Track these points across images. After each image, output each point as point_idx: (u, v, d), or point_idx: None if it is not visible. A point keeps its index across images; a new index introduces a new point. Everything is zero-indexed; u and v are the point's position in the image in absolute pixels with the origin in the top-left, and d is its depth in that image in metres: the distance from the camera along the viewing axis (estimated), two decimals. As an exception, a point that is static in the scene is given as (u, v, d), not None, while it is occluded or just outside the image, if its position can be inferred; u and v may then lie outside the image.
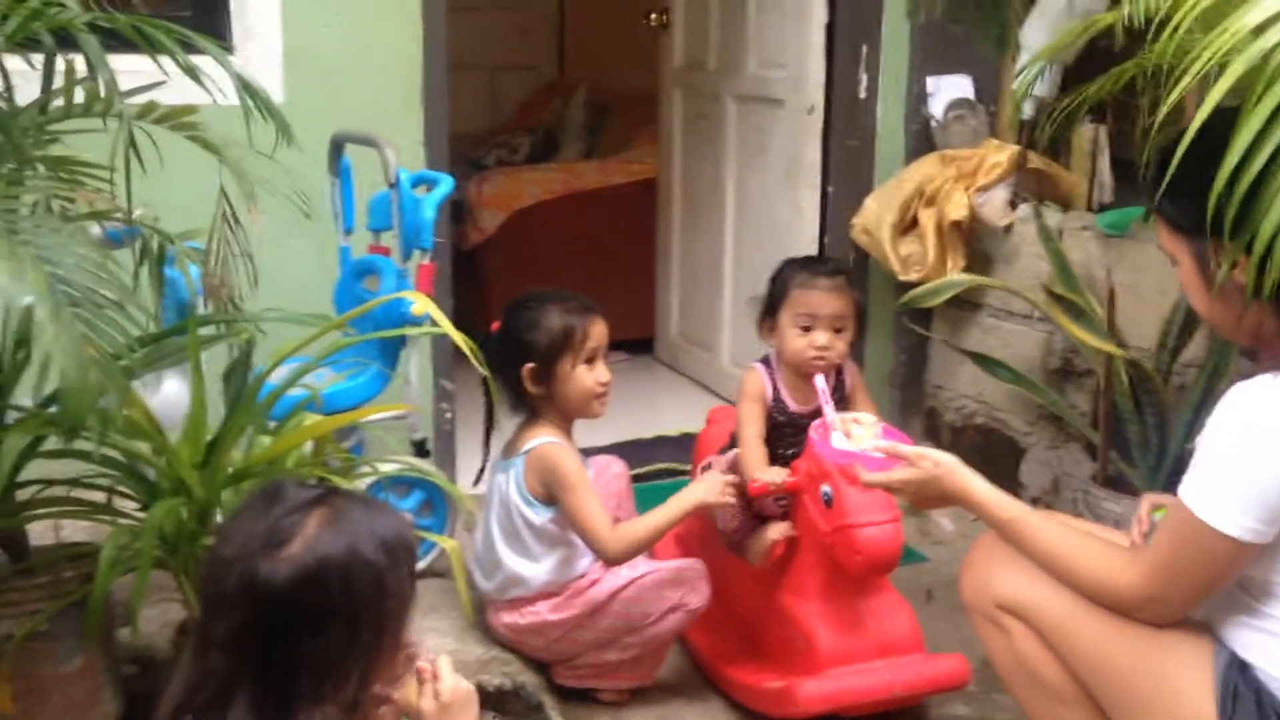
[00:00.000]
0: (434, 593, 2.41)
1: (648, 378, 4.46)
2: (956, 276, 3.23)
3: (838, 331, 2.33)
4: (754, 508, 2.38)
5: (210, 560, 1.22)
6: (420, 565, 2.58)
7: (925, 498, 1.85)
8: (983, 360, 3.20)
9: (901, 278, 3.40)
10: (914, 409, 3.71)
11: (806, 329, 2.31)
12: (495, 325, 2.25)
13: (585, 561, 2.21)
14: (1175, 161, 1.48)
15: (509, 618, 2.21)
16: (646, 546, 2.16)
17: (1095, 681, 1.66)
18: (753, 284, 3.93)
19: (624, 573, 2.15)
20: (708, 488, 2.16)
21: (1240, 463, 1.46)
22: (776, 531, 2.25)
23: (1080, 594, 1.66)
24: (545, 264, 4.77)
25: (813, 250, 3.61)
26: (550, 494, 2.16)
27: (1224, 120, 1.45)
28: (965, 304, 3.44)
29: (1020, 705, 1.80)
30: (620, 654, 2.21)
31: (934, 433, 3.56)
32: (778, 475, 2.19)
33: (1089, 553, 1.66)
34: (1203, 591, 1.55)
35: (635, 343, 4.99)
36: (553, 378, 2.18)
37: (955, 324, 3.52)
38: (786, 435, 2.39)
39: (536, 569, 2.17)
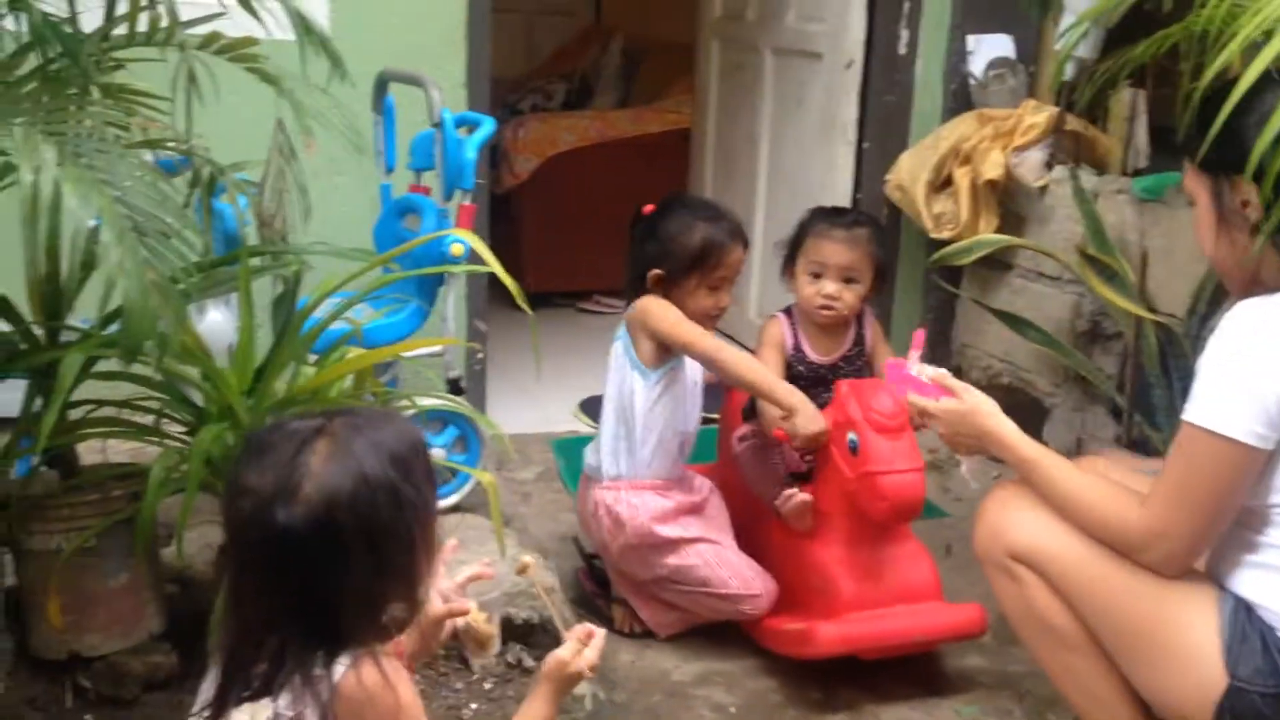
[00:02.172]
0: (464, 529, 2.44)
1: None
2: (989, 236, 3.23)
3: (848, 282, 2.34)
4: (776, 459, 2.40)
5: (228, 516, 1.22)
6: (454, 499, 2.60)
7: (959, 434, 1.88)
8: (1011, 320, 3.19)
9: (933, 235, 3.40)
10: (940, 366, 3.74)
11: (817, 275, 2.33)
12: (649, 208, 2.29)
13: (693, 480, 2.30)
14: (1221, 115, 1.55)
15: (606, 497, 2.27)
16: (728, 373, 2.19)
17: (1103, 629, 1.69)
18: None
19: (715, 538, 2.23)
20: (804, 417, 2.15)
21: (1241, 369, 1.50)
22: (809, 518, 2.27)
23: (1091, 536, 1.68)
24: (578, 210, 4.77)
25: (845, 205, 3.60)
26: (658, 347, 2.20)
27: (1264, 77, 1.54)
28: (996, 264, 3.44)
29: (1031, 653, 1.83)
30: (659, 591, 2.29)
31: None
32: (820, 417, 2.20)
33: (1100, 492, 1.68)
34: (1211, 517, 1.56)
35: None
36: (676, 288, 2.22)
37: (985, 283, 3.51)
38: (805, 387, 2.40)
39: (639, 454, 2.24)
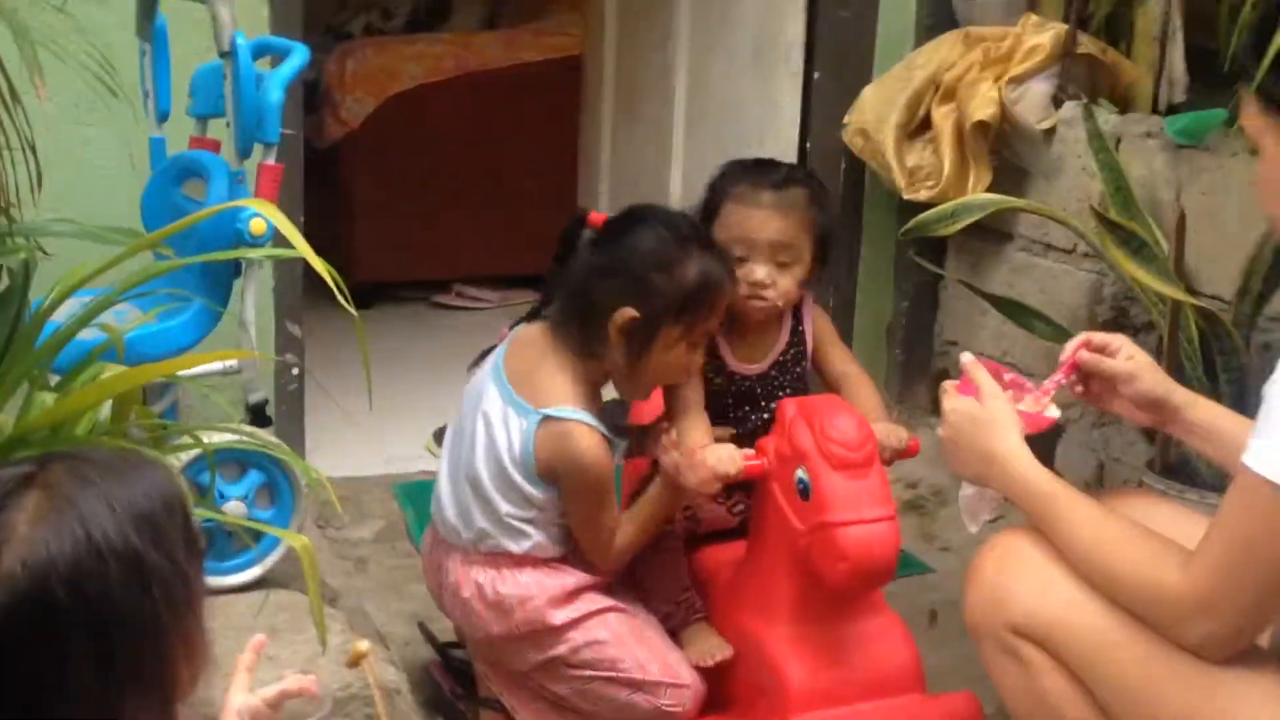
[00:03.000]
0: (273, 610, 2.43)
1: None
2: (980, 196, 3.28)
3: (782, 266, 2.37)
4: (692, 512, 2.44)
5: None
6: (257, 571, 2.58)
7: (962, 450, 1.93)
8: (1012, 308, 3.26)
9: (907, 196, 3.45)
10: (919, 372, 3.79)
11: (741, 259, 2.34)
12: (597, 218, 2.30)
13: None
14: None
15: (481, 575, 2.29)
16: (635, 553, 2.32)
17: None
18: None
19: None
20: (716, 451, 2.23)
21: None
22: (716, 646, 2.32)
23: (1118, 602, 1.73)
24: (429, 170, 4.83)
25: (791, 158, 3.65)
26: (558, 478, 2.24)
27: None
28: (990, 233, 3.49)
29: (1040, 759, 1.86)
30: (547, 682, 2.31)
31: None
32: (732, 458, 2.22)
33: (1134, 545, 1.72)
34: (1273, 590, 1.59)
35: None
36: (651, 341, 2.23)
37: (977, 260, 3.56)
38: (727, 405, 2.43)
39: (531, 530, 2.28)
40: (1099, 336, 2.06)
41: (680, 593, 2.39)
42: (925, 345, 3.76)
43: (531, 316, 2.34)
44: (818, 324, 2.50)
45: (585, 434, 2.21)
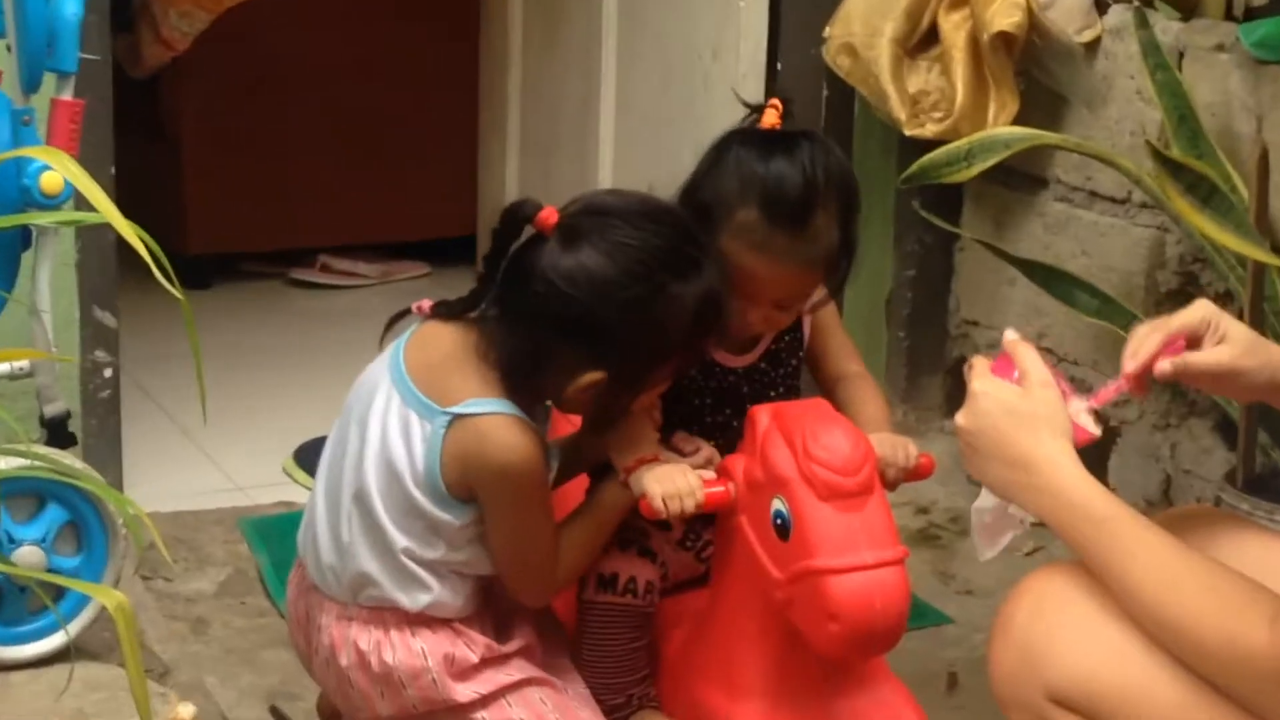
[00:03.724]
0: (82, 690, 2.41)
1: None
2: (1003, 131, 3.28)
3: (785, 308, 2.45)
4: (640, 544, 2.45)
5: None
6: (59, 639, 2.56)
7: (988, 447, 1.93)
8: (1047, 276, 3.27)
9: (909, 132, 3.46)
10: (928, 362, 3.81)
11: (755, 301, 2.39)
12: (547, 216, 2.25)
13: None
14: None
15: (364, 638, 2.29)
16: (580, 573, 2.39)
17: None
18: (649, 148, 4.01)
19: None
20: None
21: None
22: None
23: (1190, 665, 1.73)
24: (284, 108, 4.80)
25: (754, 86, 3.63)
26: (473, 494, 2.25)
27: None
28: (1018, 179, 3.49)
29: None
30: None
31: (959, 397, 3.68)
32: (686, 483, 2.25)
33: (1213, 588, 1.73)
34: None
35: (444, 246, 5.07)
36: (624, 404, 2.31)
37: (1000, 214, 3.56)
38: (704, 406, 2.46)
39: (431, 580, 2.29)
40: (1181, 320, 2.00)
41: (635, 685, 2.42)
42: (936, 326, 3.77)
43: (449, 316, 2.34)
44: (819, 313, 2.54)
45: (507, 425, 2.22)
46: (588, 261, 2.21)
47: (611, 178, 4.06)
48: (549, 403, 2.37)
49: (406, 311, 2.36)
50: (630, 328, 2.21)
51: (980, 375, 1.97)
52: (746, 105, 2.48)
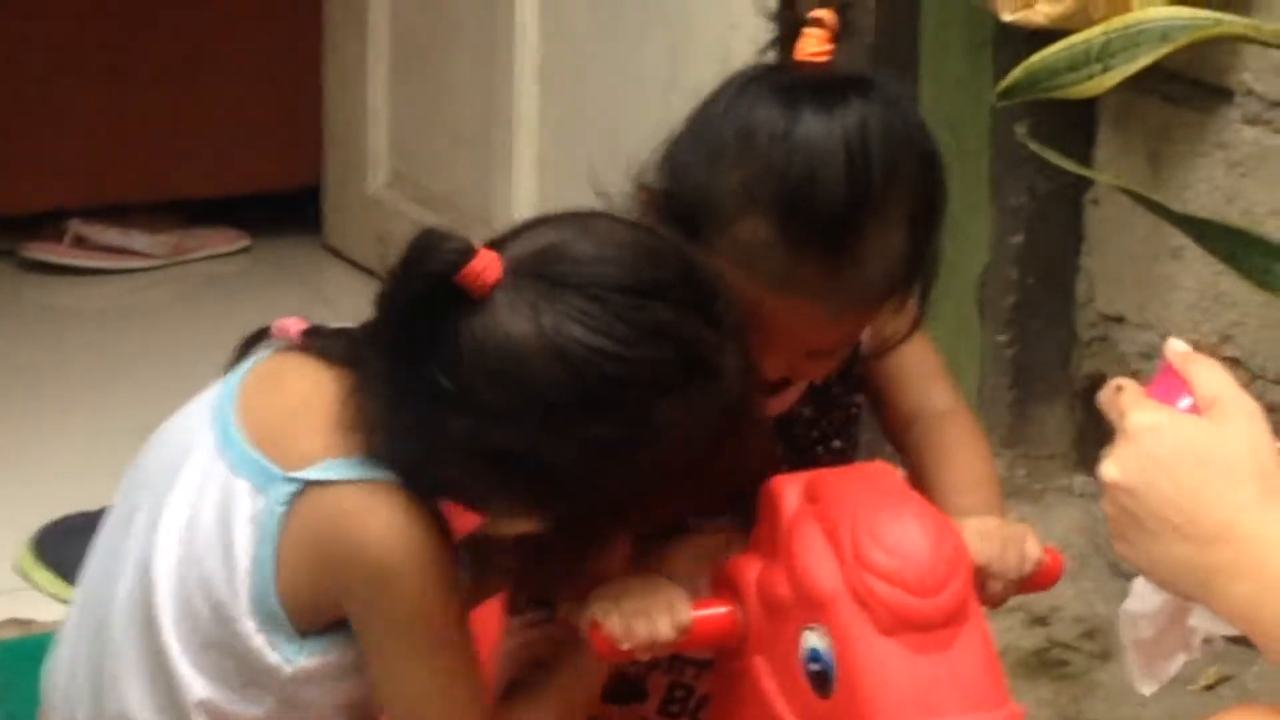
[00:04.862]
0: None
1: (306, 289, 4.58)
2: (1159, 13, 3.11)
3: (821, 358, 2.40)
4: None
5: None
6: None
7: (1157, 510, 1.81)
8: (1234, 242, 3.10)
9: (1009, 17, 3.39)
10: (1046, 379, 3.69)
11: (771, 349, 2.30)
12: (485, 273, 2.09)
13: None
14: None
15: None
16: None
17: None
18: (592, 60, 3.99)
19: None
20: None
21: None
22: None
23: None
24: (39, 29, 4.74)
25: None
26: (336, 613, 2.19)
27: None
28: (1184, 89, 3.38)
29: None
30: None
31: (1098, 437, 3.32)
32: (661, 598, 2.17)
33: None
34: None
35: (270, 203, 4.90)
36: (574, 560, 2.21)
37: (1157, 147, 3.48)
38: None
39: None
40: None
41: None
42: (1057, 325, 3.61)
43: (323, 353, 2.23)
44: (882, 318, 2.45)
45: (381, 499, 2.12)
46: (535, 367, 2.08)
47: (537, 99, 4.02)
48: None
49: (264, 333, 2.27)
50: (590, 474, 2.10)
51: (1137, 405, 1.87)
52: (768, 14, 2.47)
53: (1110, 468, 1.84)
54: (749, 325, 2.22)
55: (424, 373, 2.12)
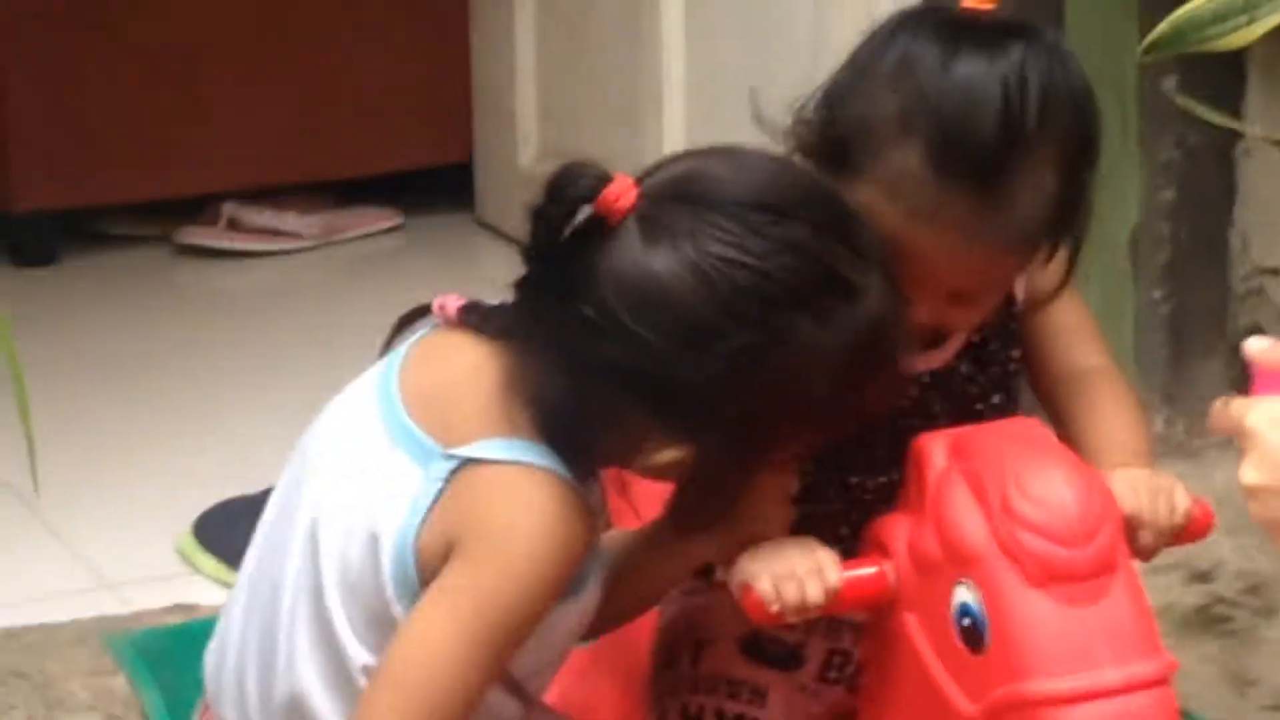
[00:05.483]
0: None
1: (460, 265, 4.56)
2: None
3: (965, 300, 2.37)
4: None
5: None
6: None
7: None
8: None
9: None
10: (1202, 334, 3.66)
11: (917, 289, 2.28)
12: (620, 198, 2.11)
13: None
14: None
15: None
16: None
17: None
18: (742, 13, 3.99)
19: None
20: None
21: None
22: None
23: None
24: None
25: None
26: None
27: None
28: None
29: None
30: None
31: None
32: (811, 560, 2.18)
33: None
34: None
35: (421, 181, 4.88)
36: (731, 483, 2.19)
37: None
38: (867, 444, 2.33)
39: None
40: None
41: None
42: (1212, 279, 3.58)
43: (480, 328, 2.22)
44: (1034, 272, 2.45)
45: (536, 481, 2.13)
46: (672, 285, 2.08)
47: (683, 65, 4.00)
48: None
49: (424, 310, 2.28)
50: (734, 392, 2.10)
51: (1250, 407, 1.89)
52: None
53: (1248, 473, 1.85)
54: (892, 259, 2.22)
55: (569, 306, 2.12)
